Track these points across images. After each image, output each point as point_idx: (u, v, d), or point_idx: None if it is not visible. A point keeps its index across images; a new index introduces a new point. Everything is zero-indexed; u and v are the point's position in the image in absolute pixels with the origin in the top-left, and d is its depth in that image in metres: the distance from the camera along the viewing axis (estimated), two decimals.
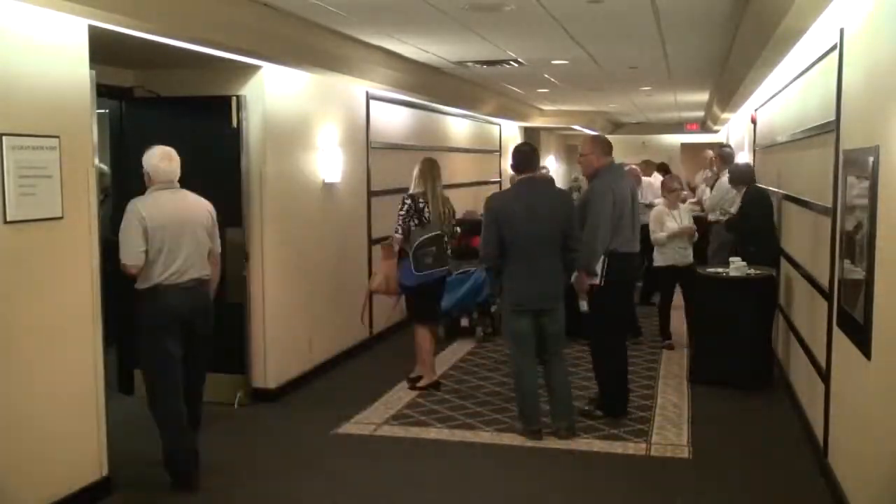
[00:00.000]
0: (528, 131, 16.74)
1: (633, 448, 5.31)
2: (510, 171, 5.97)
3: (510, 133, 15.05)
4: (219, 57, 5.40)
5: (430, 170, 6.58)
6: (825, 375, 4.79)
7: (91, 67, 4.42)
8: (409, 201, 6.45)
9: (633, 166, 10.74)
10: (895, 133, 3.39)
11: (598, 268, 5.64)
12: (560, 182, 14.52)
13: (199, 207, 4.77)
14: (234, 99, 6.09)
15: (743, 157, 11.37)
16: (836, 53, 4.56)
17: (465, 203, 10.83)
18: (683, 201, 8.93)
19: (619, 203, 5.67)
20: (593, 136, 6.33)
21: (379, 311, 7.97)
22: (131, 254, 4.48)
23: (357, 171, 7.84)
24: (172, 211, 4.60)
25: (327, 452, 5.26)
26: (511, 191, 5.78)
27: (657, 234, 7.84)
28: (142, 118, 6.33)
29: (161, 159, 4.63)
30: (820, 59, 5.20)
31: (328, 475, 4.89)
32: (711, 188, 9.87)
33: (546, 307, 5.42)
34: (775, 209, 7.35)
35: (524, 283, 5.40)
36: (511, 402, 6.22)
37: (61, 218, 4.20)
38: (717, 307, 6.74)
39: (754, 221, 7.15)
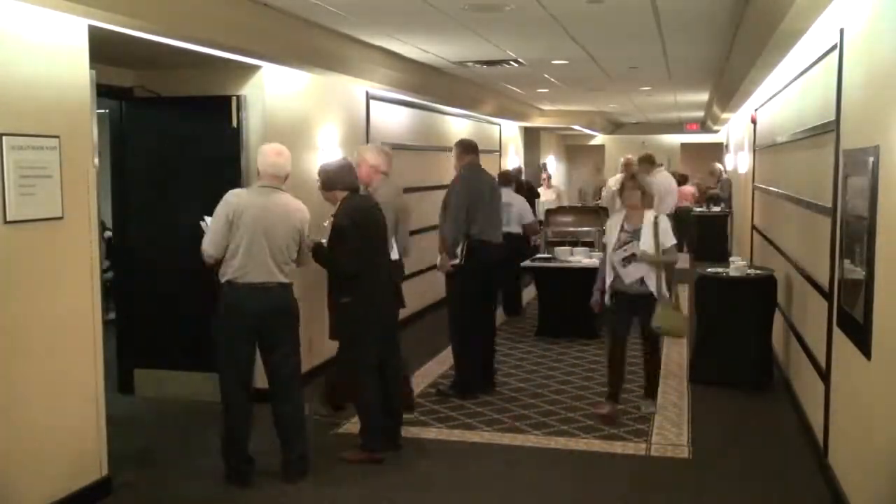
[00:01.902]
0: (528, 131, 16.74)
1: (633, 448, 5.31)
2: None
3: (510, 133, 15.04)
4: (219, 57, 5.40)
5: None
6: (825, 375, 4.79)
7: (91, 67, 4.42)
8: None
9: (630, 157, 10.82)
10: (895, 133, 3.39)
11: (459, 251, 6.22)
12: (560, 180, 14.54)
13: (292, 210, 4.69)
14: (234, 99, 6.08)
15: (743, 158, 11.38)
16: (836, 53, 4.55)
17: None
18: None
19: (473, 196, 6.22)
20: (458, 141, 6.69)
21: None
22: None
23: None
24: (260, 209, 4.56)
25: (327, 452, 5.25)
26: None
27: None
28: (142, 118, 6.33)
29: (267, 154, 4.72)
30: (820, 59, 5.20)
31: (328, 475, 4.89)
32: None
33: None
34: (776, 208, 7.34)
35: None
36: (511, 402, 6.23)
37: (61, 218, 4.20)
38: (716, 307, 6.75)
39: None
